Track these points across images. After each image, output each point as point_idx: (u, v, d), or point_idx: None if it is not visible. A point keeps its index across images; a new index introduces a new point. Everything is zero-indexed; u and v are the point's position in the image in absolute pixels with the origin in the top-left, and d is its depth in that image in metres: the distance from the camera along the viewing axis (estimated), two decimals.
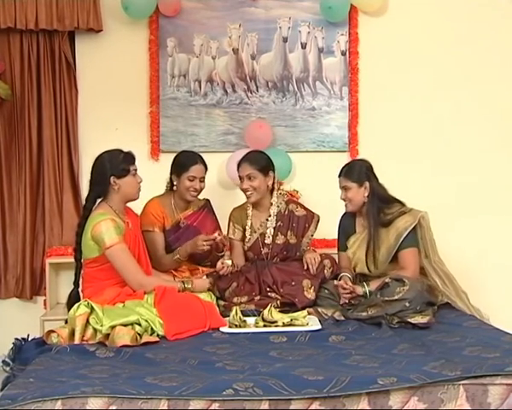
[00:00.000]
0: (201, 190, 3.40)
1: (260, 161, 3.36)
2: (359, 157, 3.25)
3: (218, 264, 3.20)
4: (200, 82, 4.15)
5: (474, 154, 4.24)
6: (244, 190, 3.36)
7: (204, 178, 3.40)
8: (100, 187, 2.99)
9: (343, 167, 3.27)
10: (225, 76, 4.16)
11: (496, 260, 4.25)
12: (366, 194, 3.17)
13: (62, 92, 4.01)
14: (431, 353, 2.36)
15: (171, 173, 3.42)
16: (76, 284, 3.02)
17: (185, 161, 3.37)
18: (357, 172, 3.20)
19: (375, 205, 3.16)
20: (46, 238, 4.03)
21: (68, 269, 3.81)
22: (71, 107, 4.02)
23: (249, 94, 4.18)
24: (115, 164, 2.97)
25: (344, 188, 3.21)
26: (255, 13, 4.15)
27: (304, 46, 4.17)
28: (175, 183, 3.38)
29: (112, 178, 2.95)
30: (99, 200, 3.03)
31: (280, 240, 3.36)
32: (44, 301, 3.97)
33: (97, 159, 3.02)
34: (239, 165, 3.38)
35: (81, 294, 2.99)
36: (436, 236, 3.20)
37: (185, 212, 3.42)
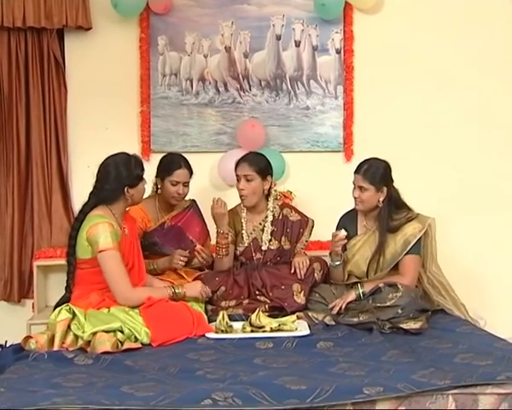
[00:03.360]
0: (185, 195, 3.32)
1: (260, 164, 3.26)
2: (378, 157, 3.08)
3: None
4: (191, 81, 4.07)
5: (471, 152, 4.17)
6: (239, 190, 3.27)
7: (188, 182, 3.31)
8: (107, 193, 2.84)
9: (362, 165, 3.08)
10: (217, 75, 4.08)
11: (495, 260, 4.18)
12: (381, 199, 3.03)
13: (51, 91, 3.93)
14: (420, 360, 2.30)
15: (156, 176, 3.35)
16: (68, 289, 2.88)
17: (169, 165, 3.29)
18: (376, 174, 3.02)
19: (388, 211, 3.04)
20: (35, 240, 3.95)
21: (57, 272, 3.77)
22: (60, 106, 3.94)
23: (242, 93, 4.10)
24: (130, 173, 2.85)
25: (360, 187, 3.04)
26: (248, 10, 4.07)
27: (297, 44, 4.09)
28: (159, 186, 3.32)
29: (126, 187, 2.83)
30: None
31: (274, 245, 3.29)
32: (33, 304, 3.90)
33: (107, 165, 2.86)
34: (237, 164, 3.28)
35: None
36: None
37: (170, 214, 3.34)
